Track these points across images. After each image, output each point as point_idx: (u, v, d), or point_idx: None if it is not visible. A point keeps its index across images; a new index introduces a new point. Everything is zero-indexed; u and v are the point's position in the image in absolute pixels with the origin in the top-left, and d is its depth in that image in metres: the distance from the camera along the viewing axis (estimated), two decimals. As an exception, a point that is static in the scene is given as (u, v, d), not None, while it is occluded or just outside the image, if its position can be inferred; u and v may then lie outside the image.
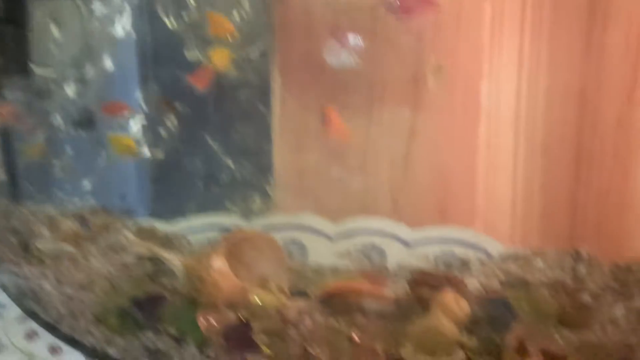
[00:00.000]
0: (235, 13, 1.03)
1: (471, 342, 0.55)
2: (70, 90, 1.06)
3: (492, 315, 0.56)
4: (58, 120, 1.06)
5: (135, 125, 1.13)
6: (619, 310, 0.61)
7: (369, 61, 0.89)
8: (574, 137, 0.79)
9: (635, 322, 0.59)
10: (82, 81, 1.06)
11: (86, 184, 1.09)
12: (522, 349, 0.54)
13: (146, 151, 1.13)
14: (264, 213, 1.09)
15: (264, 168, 1.08)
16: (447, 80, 0.83)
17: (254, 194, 1.12)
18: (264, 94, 1.01)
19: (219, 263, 0.60)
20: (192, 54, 1.09)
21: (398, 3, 0.66)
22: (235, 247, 0.63)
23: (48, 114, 1.05)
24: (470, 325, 0.56)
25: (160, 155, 1.13)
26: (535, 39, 0.74)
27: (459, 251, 0.80)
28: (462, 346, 0.55)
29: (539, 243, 0.83)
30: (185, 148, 1.11)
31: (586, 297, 0.61)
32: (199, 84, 0.78)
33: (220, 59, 0.74)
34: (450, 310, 0.55)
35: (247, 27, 1.05)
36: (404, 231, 0.83)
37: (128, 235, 0.72)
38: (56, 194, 1.05)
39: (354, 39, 0.70)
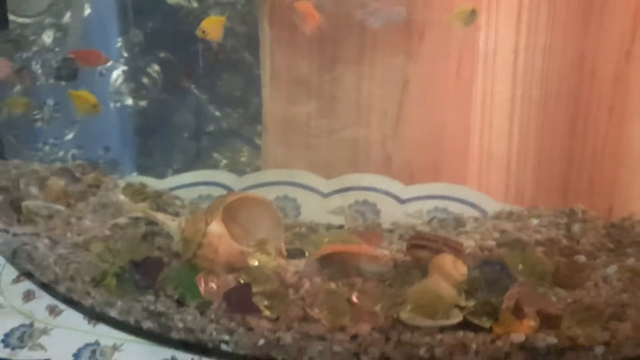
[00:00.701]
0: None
1: (469, 303, 0.58)
2: (47, 37, 1.04)
3: (490, 278, 0.58)
4: (38, 70, 1.04)
5: (117, 74, 1.11)
6: (611, 269, 0.63)
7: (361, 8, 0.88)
8: (570, 92, 0.81)
9: (628, 281, 0.61)
10: (59, 28, 1.03)
11: (69, 136, 1.08)
12: (518, 310, 0.56)
13: (129, 101, 1.12)
14: (252, 164, 1.11)
15: (252, 119, 1.09)
16: (445, 31, 0.82)
17: (242, 146, 1.13)
18: (252, 42, 1.00)
19: (216, 227, 0.61)
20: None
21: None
22: (230, 210, 0.63)
23: (28, 65, 1.03)
24: (468, 288, 0.58)
25: (143, 105, 1.13)
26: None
27: (454, 208, 0.82)
28: (459, 308, 0.57)
29: (533, 199, 0.85)
30: (170, 98, 1.11)
31: (581, 257, 0.62)
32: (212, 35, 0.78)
33: (214, 29, 0.73)
34: (448, 273, 0.58)
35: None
36: (397, 188, 0.85)
37: (121, 198, 0.71)
38: (39, 147, 1.04)
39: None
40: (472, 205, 0.82)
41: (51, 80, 1.03)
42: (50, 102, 1.05)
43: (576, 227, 0.70)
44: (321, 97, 0.96)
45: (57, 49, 1.03)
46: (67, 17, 1.04)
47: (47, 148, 1.07)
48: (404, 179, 0.89)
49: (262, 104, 1.02)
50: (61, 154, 1.07)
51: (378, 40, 0.88)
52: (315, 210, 0.84)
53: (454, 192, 0.84)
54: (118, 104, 1.11)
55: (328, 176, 0.91)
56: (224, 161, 1.13)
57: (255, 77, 1.01)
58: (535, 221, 0.72)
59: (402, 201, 0.84)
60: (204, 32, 0.76)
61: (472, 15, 0.72)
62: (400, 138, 0.92)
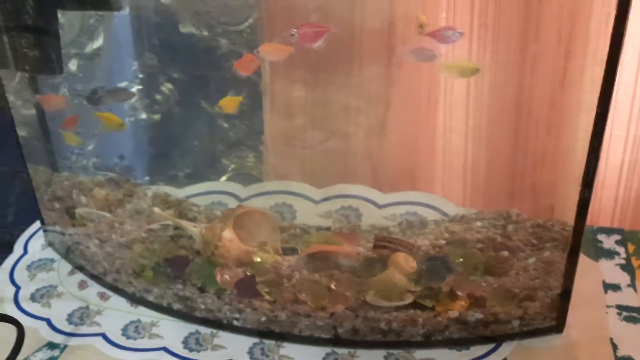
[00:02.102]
0: (225, -10, 1.13)
1: (417, 288, 0.74)
2: (72, 65, 1.16)
3: (433, 270, 0.74)
4: (65, 93, 1.17)
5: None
6: (531, 261, 0.80)
7: (348, 40, 1.02)
8: (513, 119, 0.95)
9: (541, 270, 0.78)
10: (83, 57, 1.14)
11: (90, 147, 1.21)
12: (452, 294, 0.73)
13: (143, 115, 1.24)
14: (257, 169, 1.23)
15: (256, 129, 1.22)
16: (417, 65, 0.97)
17: (247, 153, 1.27)
18: None
19: (228, 233, 0.77)
20: (186, 28, 1.20)
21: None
22: (239, 219, 0.80)
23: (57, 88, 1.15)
24: (417, 277, 0.74)
25: (156, 118, 1.25)
26: (480, 42, 0.89)
27: (422, 212, 0.97)
28: (410, 292, 0.73)
29: (486, 203, 1.01)
30: (182, 112, 1.23)
31: (504, 253, 0.79)
32: (244, 71, 0.87)
33: (229, 104, 0.86)
34: (402, 267, 0.73)
35: (236, 4, 1.16)
36: (376, 195, 1.00)
37: (155, 210, 0.88)
38: (67, 157, 1.18)
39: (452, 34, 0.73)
40: (437, 209, 0.97)
41: (76, 101, 1.17)
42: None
43: (510, 227, 0.86)
44: (314, 117, 1.09)
45: (80, 75, 1.13)
46: (88, 47, 1.14)
47: (73, 157, 1.22)
48: (387, 186, 1.02)
49: (262, 118, 1.16)
50: (84, 162, 1.17)
51: (364, 68, 1.01)
52: (307, 214, 0.97)
53: (423, 198, 0.98)
54: (132, 118, 1.21)
55: (321, 184, 1.05)
56: (232, 166, 1.24)
57: (258, 94, 1.12)
58: (479, 223, 0.87)
59: (379, 206, 0.98)
60: (220, 107, 0.86)
61: (474, 71, 0.77)
62: (384, 151, 1.07)
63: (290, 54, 0.78)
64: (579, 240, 0.71)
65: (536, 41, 0.90)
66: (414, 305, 0.73)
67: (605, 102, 0.65)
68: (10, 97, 0.94)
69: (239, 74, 0.81)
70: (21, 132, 0.95)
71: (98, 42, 1.17)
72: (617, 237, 0.94)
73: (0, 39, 0.85)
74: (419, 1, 0.94)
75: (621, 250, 0.91)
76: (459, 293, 0.73)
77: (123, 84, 1.21)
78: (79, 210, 0.92)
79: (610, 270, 0.87)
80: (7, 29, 0.84)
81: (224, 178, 1.22)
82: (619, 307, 0.80)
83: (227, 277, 0.76)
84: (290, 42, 0.75)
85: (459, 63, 0.78)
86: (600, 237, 0.94)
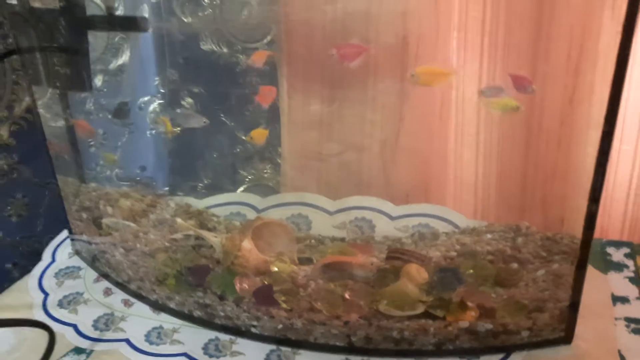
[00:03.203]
0: (245, 10, 1.17)
1: (428, 299, 0.76)
2: (98, 81, 1.20)
3: (444, 281, 0.77)
4: (91, 107, 1.21)
5: (153, 107, 1.27)
6: (540, 273, 0.82)
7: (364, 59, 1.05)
8: (523, 134, 0.97)
9: (550, 282, 0.80)
10: (107, 73, 1.17)
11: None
12: (463, 304, 0.75)
13: (163, 128, 1.27)
14: (273, 180, 1.26)
15: (273, 142, 1.24)
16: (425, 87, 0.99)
17: (265, 164, 1.30)
18: (272, 79, 1.14)
19: (247, 244, 0.80)
20: (207, 45, 1.24)
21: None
22: (258, 230, 0.83)
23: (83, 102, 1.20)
24: (429, 288, 0.77)
25: (177, 131, 1.28)
26: (491, 60, 0.91)
27: (434, 224, 1.00)
28: (422, 302, 0.76)
29: (496, 215, 1.03)
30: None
31: (514, 264, 0.81)
32: (264, 102, 0.92)
33: (259, 136, 0.91)
34: (414, 278, 0.76)
35: (255, 22, 1.19)
36: (389, 207, 1.03)
37: (178, 220, 0.91)
38: (92, 167, 1.21)
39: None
40: (448, 221, 0.99)
41: (100, 115, 1.21)
42: (100, 131, 1.17)
43: (519, 240, 0.88)
44: (330, 130, 1.12)
45: (105, 90, 1.17)
46: (113, 64, 1.17)
47: (98, 168, 1.25)
48: (400, 199, 1.05)
49: (281, 131, 1.19)
50: (108, 172, 1.20)
51: (378, 84, 1.03)
52: (322, 225, 1.00)
53: (435, 211, 1.00)
54: (153, 131, 1.23)
55: (336, 195, 1.07)
56: (249, 177, 1.27)
57: (275, 107, 1.15)
58: (489, 235, 0.90)
59: (392, 218, 1.01)
60: (252, 138, 0.93)
61: (515, 109, 0.78)
62: (397, 164, 1.09)
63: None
64: (586, 253, 0.73)
65: (546, 59, 0.92)
66: (426, 315, 0.75)
67: (612, 121, 0.67)
68: (42, 111, 0.98)
69: (261, 106, 0.86)
70: (51, 145, 1.00)
71: (122, 59, 1.21)
72: (626, 250, 0.96)
73: (33, 58, 0.90)
74: (431, 20, 0.97)
75: (630, 263, 0.93)
76: (469, 304, 0.75)
77: (145, 99, 1.25)
78: (105, 220, 0.96)
79: (619, 282, 0.88)
80: (41, 49, 0.88)
81: (241, 189, 1.26)
82: (627, 319, 0.81)
83: (245, 285, 0.79)
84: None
85: (501, 100, 0.81)
86: (610, 250, 0.96)
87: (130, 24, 0.95)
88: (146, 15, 1.16)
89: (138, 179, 1.22)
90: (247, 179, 1.27)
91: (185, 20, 1.20)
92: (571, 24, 0.90)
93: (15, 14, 0.88)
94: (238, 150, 1.26)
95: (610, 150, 0.68)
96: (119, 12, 1.05)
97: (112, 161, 0.99)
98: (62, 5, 0.85)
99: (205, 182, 1.27)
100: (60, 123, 1.02)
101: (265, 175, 1.29)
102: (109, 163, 1.00)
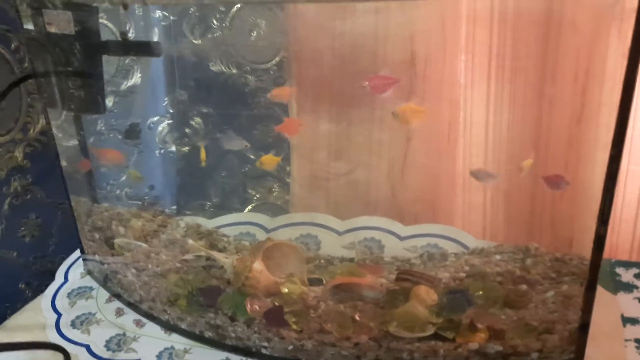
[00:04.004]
0: (254, 32, 1.20)
1: (438, 321, 0.76)
2: (109, 102, 1.21)
3: (454, 302, 0.77)
4: (102, 128, 1.23)
5: (162, 127, 1.29)
6: (550, 294, 0.82)
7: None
8: (531, 153, 0.97)
9: (560, 303, 0.80)
10: (117, 94, 1.21)
11: (123, 178, 1.25)
12: (472, 326, 0.75)
13: (172, 148, 1.30)
14: (282, 198, 1.27)
15: (283, 160, 1.26)
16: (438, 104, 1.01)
17: (273, 183, 1.31)
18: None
19: (258, 265, 0.81)
20: (216, 67, 1.25)
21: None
22: (268, 251, 0.84)
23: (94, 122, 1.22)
24: (438, 309, 0.77)
25: (185, 150, 1.30)
26: (498, 82, 0.93)
27: (442, 244, 1.01)
28: (431, 324, 0.76)
29: (505, 235, 1.03)
30: (210, 144, 1.27)
31: (523, 286, 0.81)
32: (288, 132, 0.94)
33: (269, 162, 0.92)
34: (423, 299, 0.77)
35: (263, 44, 1.21)
36: (398, 227, 1.04)
37: (189, 241, 0.93)
38: (103, 187, 1.23)
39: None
40: (457, 241, 1.00)
41: (110, 135, 1.23)
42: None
43: (529, 261, 0.88)
44: (339, 149, 1.13)
45: (115, 110, 1.20)
46: (123, 85, 1.21)
47: (108, 187, 1.23)
48: (409, 218, 1.06)
49: (289, 149, 1.20)
50: (118, 192, 1.24)
51: (386, 105, 1.07)
52: (332, 245, 1.01)
53: (443, 231, 1.01)
54: (162, 151, 1.27)
55: (345, 215, 1.08)
56: (257, 195, 1.28)
57: None
58: (498, 256, 0.90)
59: (401, 238, 1.02)
60: (262, 163, 0.95)
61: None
62: (406, 184, 1.10)
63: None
64: (595, 274, 0.73)
65: (553, 81, 0.93)
66: (435, 336, 0.75)
67: (619, 145, 0.67)
68: (56, 132, 1.00)
69: (283, 135, 0.88)
70: (65, 166, 1.01)
71: (133, 80, 1.23)
72: (636, 270, 0.96)
73: (49, 81, 0.92)
74: (439, 43, 0.99)
75: (639, 283, 0.93)
76: (478, 325, 0.75)
77: (155, 119, 1.27)
78: (117, 241, 0.97)
79: (628, 303, 0.89)
80: (56, 73, 0.90)
81: (249, 207, 1.27)
82: (637, 340, 0.81)
83: (256, 307, 0.79)
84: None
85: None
86: (619, 270, 0.96)
87: (144, 49, 0.97)
88: (157, 37, 1.20)
89: (147, 197, 1.24)
90: (255, 198, 1.28)
91: (195, 42, 1.23)
92: (578, 45, 0.91)
93: (32, 39, 0.90)
94: (247, 169, 1.28)
95: (617, 174, 0.69)
96: (131, 33, 1.07)
97: (137, 178, 1.01)
98: (77, 31, 0.87)
99: (214, 200, 1.29)
100: (72, 140, 1.04)
101: (274, 194, 1.30)
102: (135, 181, 1.02)
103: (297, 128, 0.93)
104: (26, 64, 1.01)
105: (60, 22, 0.85)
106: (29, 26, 0.89)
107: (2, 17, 0.96)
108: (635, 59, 0.64)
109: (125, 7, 0.89)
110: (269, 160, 0.93)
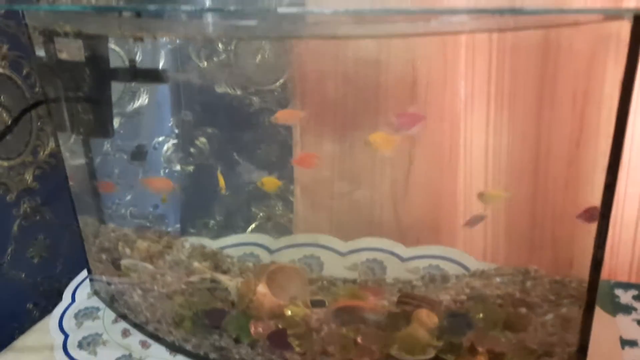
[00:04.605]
0: (258, 55, 1.22)
1: (439, 343, 0.77)
2: (115, 124, 1.22)
3: (455, 325, 0.79)
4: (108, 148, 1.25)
5: (167, 147, 1.32)
6: (549, 317, 0.83)
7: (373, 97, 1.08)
8: (531, 177, 0.99)
9: (559, 326, 0.81)
10: (123, 115, 1.23)
11: (128, 197, 1.27)
12: (473, 349, 0.77)
13: (177, 167, 1.32)
14: (285, 217, 1.28)
15: (286, 180, 1.27)
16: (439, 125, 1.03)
17: (277, 202, 1.32)
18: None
19: (262, 288, 0.83)
20: (221, 88, 1.28)
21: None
22: (271, 274, 0.85)
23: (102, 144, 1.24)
24: (439, 332, 0.78)
25: (190, 170, 1.32)
26: (498, 104, 0.95)
27: (444, 265, 1.02)
28: (432, 347, 0.77)
29: (506, 257, 1.04)
30: (215, 163, 1.30)
31: (522, 310, 0.82)
32: (305, 165, 0.97)
33: (270, 184, 0.94)
34: (424, 322, 0.78)
35: (268, 66, 1.23)
36: (400, 249, 1.05)
37: (195, 264, 0.94)
38: (109, 206, 1.25)
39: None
40: (458, 263, 1.02)
41: (116, 155, 1.26)
42: (116, 171, 1.23)
43: (528, 284, 0.89)
44: (342, 169, 1.15)
45: (122, 132, 1.23)
46: (129, 107, 1.23)
47: (114, 207, 1.26)
48: (411, 240, 1.07)
49: (292, 169, 1.22)
50: (123, 211, 1.26)
51: (389, 125, 1.09)
52: (334, 266, 1.02)
53: (445, 252, 1.03)
54: (167, 170, 1.28)
55: (348, 236, 1.10)
56: (261, 214, 1.29)
57: (287, 146, 1.20)
58: (498, 279, 0.92)
59: (403, 259, 1.04)
60: (262, 184, 0.95)
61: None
62: (408, 206, 1.12)
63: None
64: (593, 296, 0.74)
65: (552, 104, 0.94)
66: (436, 359, 0.77)
67: (613, 174, 0.69)
68: (64, 153, 1.02)
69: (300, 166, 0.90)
70: (73, 187, 1.03)
71: (139, 102, 1.26)
72: (635, 292, 0.97)
73: (59, 106, 0.94)
74: (439, 69, 1.01)
75: (638, 305, 0.94)
76: (479, 348, 0.77)
77: (160, 139, 1.29)
78: (124, 262, 0.99)
79: (627, 325, 0.90)
80: (66, 98, 0.93)
81: (252, 226, 1.29)
82: (636, 363, 0.82)
83: (260, 329, 0.81)
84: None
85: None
86: (618, 291, 0.97)
87: (152, 75, 0.99)
88: (163, 60, 1.22)
89: (150, 217, 1.26)
90: (259, 216, 1.29)
91: (200, 65, 1.25)
92: (575, 69, 0.93)
93: (43, 65, 0.92)
94: (250, 188, 1.30)
95: (612, 202, 0.70)
96: (138, 57, 1.10)
97: (164, 200, 1.03)
98: (87, 57, 0.89)
99: (218, 219, 1.31)
100: (81, 162, 1.06)
101: (277, 213, 1.32)
102: (163, 202, 1.04)
103: (314, 161, 0.95)
104: (37, 89, 1.03)
105: (71, 50, 0.88)
106: (41, 53, 0.92)
107: (14, 44, 0.99)
108: (628, 90, 0.66)
109: (141, 39, 0.91)
110: (271, 183, 0.94)
